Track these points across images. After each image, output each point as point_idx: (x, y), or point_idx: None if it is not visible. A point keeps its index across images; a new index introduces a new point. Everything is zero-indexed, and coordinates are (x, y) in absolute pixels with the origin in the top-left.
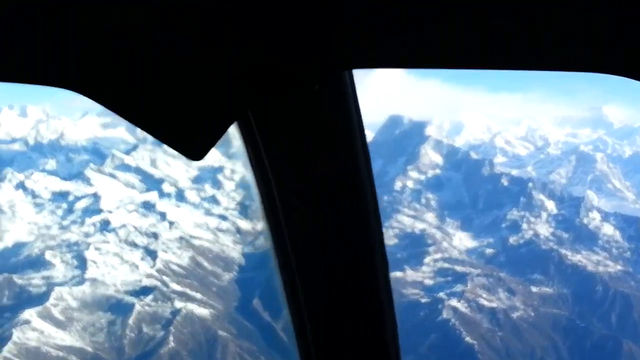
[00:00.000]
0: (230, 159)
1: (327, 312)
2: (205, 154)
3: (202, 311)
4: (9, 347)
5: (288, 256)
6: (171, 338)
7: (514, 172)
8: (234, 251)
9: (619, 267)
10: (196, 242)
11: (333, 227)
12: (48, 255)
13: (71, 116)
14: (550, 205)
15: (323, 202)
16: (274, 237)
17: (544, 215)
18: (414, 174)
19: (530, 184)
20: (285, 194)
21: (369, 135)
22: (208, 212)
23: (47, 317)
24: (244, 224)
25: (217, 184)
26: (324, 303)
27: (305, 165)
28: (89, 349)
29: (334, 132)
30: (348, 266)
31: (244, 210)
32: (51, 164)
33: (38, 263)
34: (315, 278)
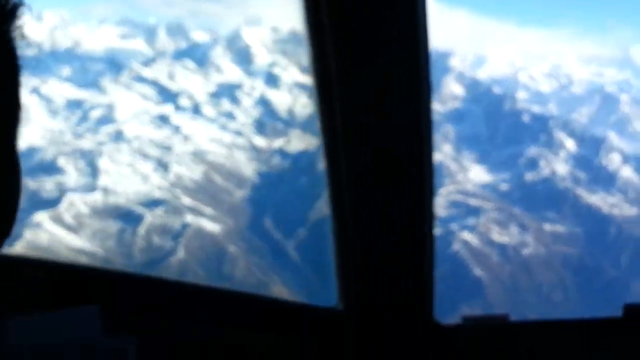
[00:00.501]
0: (250, 76)
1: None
2: None
3: (213, 226)
4: (20, 244)
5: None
6: (181, 249)
7: (535, 109)
8: (248, 168)
9: (634, 211)
10: (210, 157)
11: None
12: (61, 161)
13: (88, 23)
14: (570, 144)
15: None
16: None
17: (563, 153)
18: (434, 104)
19: (551, 122)
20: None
21: None
22: (224, 127)
23: (59, 220)
24: (260, 141)
25: (235, 100)
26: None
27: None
28: (100, 253)
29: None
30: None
31: (260, 127)
32: (66, 71)
33: (51, 168)
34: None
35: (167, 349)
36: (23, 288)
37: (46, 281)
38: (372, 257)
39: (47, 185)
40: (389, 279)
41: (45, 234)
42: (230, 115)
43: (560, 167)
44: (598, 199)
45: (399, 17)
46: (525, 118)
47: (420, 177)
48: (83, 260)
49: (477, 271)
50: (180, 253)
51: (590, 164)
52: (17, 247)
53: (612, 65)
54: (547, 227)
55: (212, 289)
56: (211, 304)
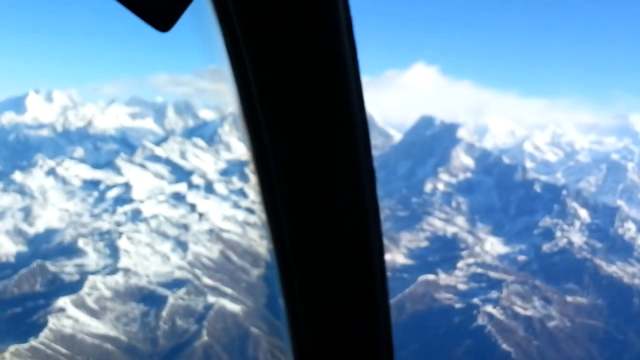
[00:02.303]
0: None
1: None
2: (172, 25)
3: (234, 307)
4: (45, 333)
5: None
6: (204, 332)
7: (544, 178)
8: (261, 246)
9: None
10: (225, 235)
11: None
12: (80, 243)
13: (97, 103)
14: (584, 213)
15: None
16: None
17: (578, 223)
18: (444, 176)
19: (564, 192)
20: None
21: (397, 136)
22: (236, 205)
23: (81, 305)
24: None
25: (244, 177)
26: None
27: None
28: (124, 339)
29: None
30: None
31: None
32: (79, 151)
33: (70, 250)
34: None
35: None
36: None
37: None
38: (327, 332)
39: (67, 268)
40: (347, 354)
41: (68, 321)
42: (241, 193)
43: (576, 237)
44: (617, 269)
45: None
46: (537, 188)
47: (370, 259)
48: (108, 347)
49: (505, 346)
50: (204, 336)
51: (606, 233)
52: (42, 337)
53: (611, 133)
54: (569, 298)
55: None
56: None
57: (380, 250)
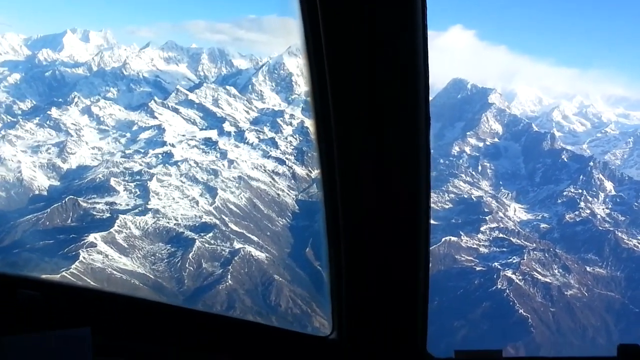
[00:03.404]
0: (290, 104)
1: (364, 259)
2: None
3: (259, 254)
4: (76, 265)
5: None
6: (229, 276)
7: (571, 148)
8: (288, 197)
9: None
10: (253, 183)
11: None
12: (112, 181)
13: (132, 45)
14: (609, 186)
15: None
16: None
17: (602, 195)
18: (472, 140)
19: (590, 163)
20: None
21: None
22: (266, 155)
23: (111, 242)
24: (300, 170)
25: (276, 127)
26: (363, 249)
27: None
28: (151, 276)
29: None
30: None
31: (300, 156)
32: (113, 92)
33: (102, 188)
34: (358, 225)
35: None
36: (18, 307)
37: (41, 301)
38: (366, 290)
39: (99, 205)
40: (382, 311)
41: (99, 256)
42: (272, 143)
43: (599, 209)
44: (638, 243)
45: (399, 62)
46: (565, 157)
47: (417, 215)
48: (135, 282)
49: (522, 311)
50: (229, 280)
51: (630, 206)
52: (72, 269)
53: (639, 107)
54: (589, 269)
55: (206, 314)
56: (205, 329)
57: (427, 213)
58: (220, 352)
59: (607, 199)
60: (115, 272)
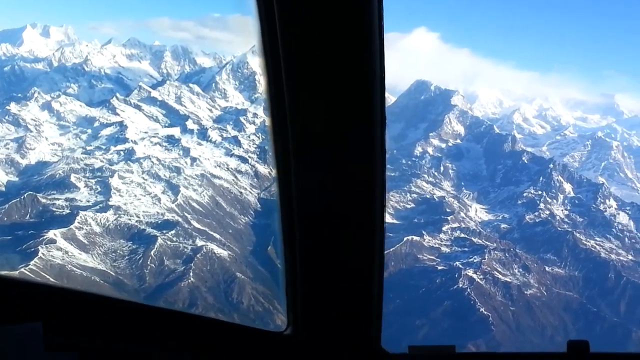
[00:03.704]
0: (253, 103)
1: (320, 256)
2: None
3: (222, 252)
4: (35, 261)
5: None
6: (191, 274)
7: (531, 150)
8: (251, 195)
9: (630, 257)
10: (216, 181)
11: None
12: (72, 178)
13: (94, 42)
14: (568, 187)
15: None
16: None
17: (561, 197)
18: (435, 141)
19: (550, 165)
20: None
21: (391, 98)
22: (229, 153)
23: (71, 238)
24: (262, 169)
25: (239, 126)
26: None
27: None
28: (111, 273)
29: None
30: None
31: (263, 154)
32: (73, 88)
33: (62, 185)
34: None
35: None
36: None
37: None
38: (320, 286)
39: (58, 202)
40: (337, 307)
41: (58, 252)
42: (234, 141)
43: (558, 210)
44: (595, 244)
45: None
46: (525, 159)
47: (372, 213)
48: (96, 280)
49: (483, 310)
50: (191, 278)
51: (588, 208)
52: (32, 265)
53: (597, 111)
54: (548, 269)
55: (163, 310)
56: (161, 325)
57: (382, 210)
58: (176, 348)
59: (566, 201)
60: (75, 269)
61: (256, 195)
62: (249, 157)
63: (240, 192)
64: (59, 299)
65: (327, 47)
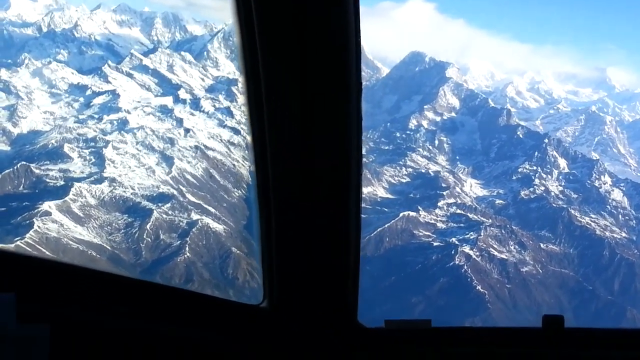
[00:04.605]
0: None
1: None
2: None
3: (217, 226)
4: (30, 235)
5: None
6: (187, 248)
7: (525, 124)
8: (243, 168)
9: (624, 234)
10: (210, 153)
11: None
12: (66, 148)
13: (81, 7)
14: (563, 163)
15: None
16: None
17: (556, 172)
18: (429, 114)
19: (545, 140)
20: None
21: (385, 70)
22: (221, 124)
23: (66, 211)
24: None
25: (231, 96)
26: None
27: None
28: (107, 247)
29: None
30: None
31: None
32: (63, 54)
33: (55, 154)
34: (289, 193)
35: (81, 338)
36: None
37: None
38: (297, 258)
39: (52, 172)
40: (314, 280)
41: (53, 225)
42: (227, 112)
43: (553, 186)
44: (590, 221)
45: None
46: (520, 134)
47: (348, 184)
48: (92, 254)
49: (479, 287)
50: (187, 252)
51: (582, 184)
52: (27, 238)
53: (588, 84)
54: (543, 245)
55: (140, 282)
56: (137, 296)
57: (358, 184)
58: (150, 320)
59: (560, 177)
60: (70, 242)
61: (248, 167)
62: (242, 128)
63: (234, 165)
64: (33, 269)
65: (300, 17)
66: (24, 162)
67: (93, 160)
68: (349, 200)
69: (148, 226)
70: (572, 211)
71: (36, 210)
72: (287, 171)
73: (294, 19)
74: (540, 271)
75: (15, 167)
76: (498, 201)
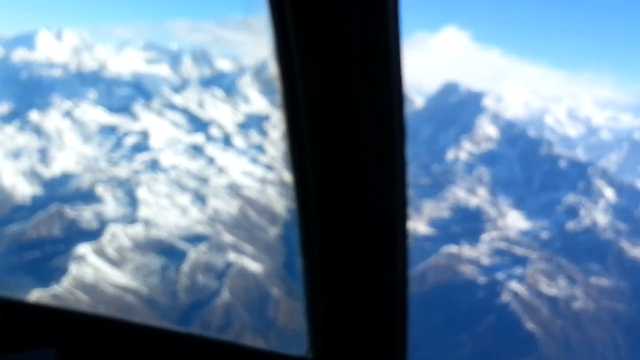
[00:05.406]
0: (277, 107)
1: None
2: None
3: (255, 266)
4: (68, 279)
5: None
6: (225, 290)
7: (568, 154)
8: (279, 205)
9: None
10: (244, 191)
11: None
12: (99, 189)
13: (108, 45)
14: (609, 193)
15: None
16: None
17: (602, 203)
18: (467, 145)
19: (589, 169)
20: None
21: (419, 101)
22: (255, 161)
23: (102, 254)
24: (289, 177)
25: (263, 133)
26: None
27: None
28: (144, 291)
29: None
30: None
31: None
32: (93, 94)
33: (88, 197)
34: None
35: None
36: None
37: (3, 322)
38: (344, 304)
39: (86, 214)
40: (360, 331)
41: (89, 269)
42: (260, 148)
43: (600, 217)
44: None
45: (373, 58)
46: (562, 164)
47: (393, 227)
48: (129, 299)
49: (529, 325)
50: (225, 294)
51: (631, 215)
52: (65, 283)
53: (628, 110)
54: (593, 280)
55: (181, 334)
56: (178, 350)
57: (404, 221)
58: None
59: (608, 207)
60: (107, 287)
61: (284, 205)
62: (275, 165)
63: (269, 202)
64: (75, 324)
65: (341, 50)
66: (59, 205)
67: (126, 201)
68: (396, 239)
69: (185, 268)
70: (622, 243)
71: (71, 254)
72: (332, 210)
73: (333, 53)
74: (592, 307)
75: (50, 211)
76: (543, 234)
